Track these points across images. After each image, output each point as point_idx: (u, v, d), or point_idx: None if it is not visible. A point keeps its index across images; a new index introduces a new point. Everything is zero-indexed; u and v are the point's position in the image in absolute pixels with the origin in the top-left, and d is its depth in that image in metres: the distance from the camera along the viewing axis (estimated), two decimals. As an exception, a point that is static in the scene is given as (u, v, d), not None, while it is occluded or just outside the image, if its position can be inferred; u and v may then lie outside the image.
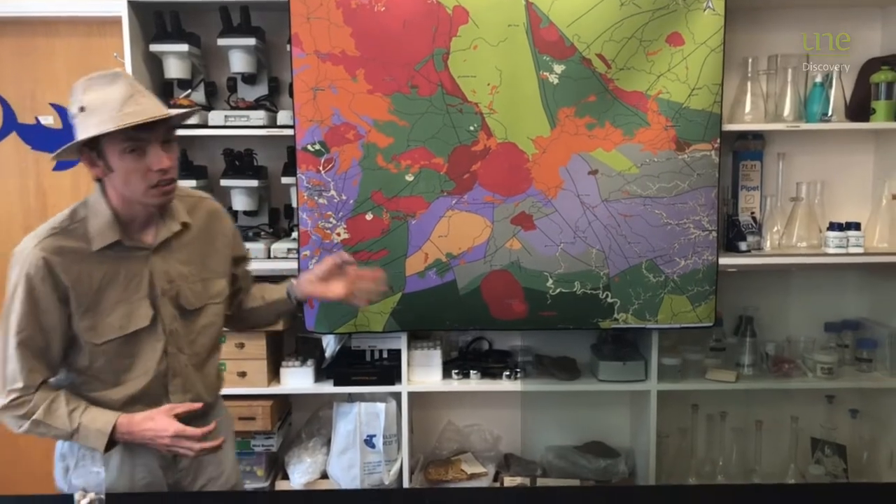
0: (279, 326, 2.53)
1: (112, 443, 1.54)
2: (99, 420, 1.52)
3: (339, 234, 2.44)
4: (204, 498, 1.63)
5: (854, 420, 2.77)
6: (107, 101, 1.45)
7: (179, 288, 1.63)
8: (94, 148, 1.48)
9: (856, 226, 2.57)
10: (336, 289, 1.80)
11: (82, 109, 1.47)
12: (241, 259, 1.84)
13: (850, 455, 2.73)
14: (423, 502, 1.58)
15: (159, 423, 1.52)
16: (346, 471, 2.62)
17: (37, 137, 2.87)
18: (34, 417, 1.51)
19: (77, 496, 1.50)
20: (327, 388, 2.64)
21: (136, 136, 1.45)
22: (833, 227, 2.59)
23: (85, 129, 1.45)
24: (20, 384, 1.51)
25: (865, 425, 2.77)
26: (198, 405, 1.60)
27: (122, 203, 1.55)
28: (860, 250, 2.56)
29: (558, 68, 2.37)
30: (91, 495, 1.51)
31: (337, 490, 2.56)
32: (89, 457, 1.62)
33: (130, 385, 1.59)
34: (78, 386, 1.59)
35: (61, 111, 2.84)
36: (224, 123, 2.51)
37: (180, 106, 2.52)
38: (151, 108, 1.47)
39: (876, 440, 2.75)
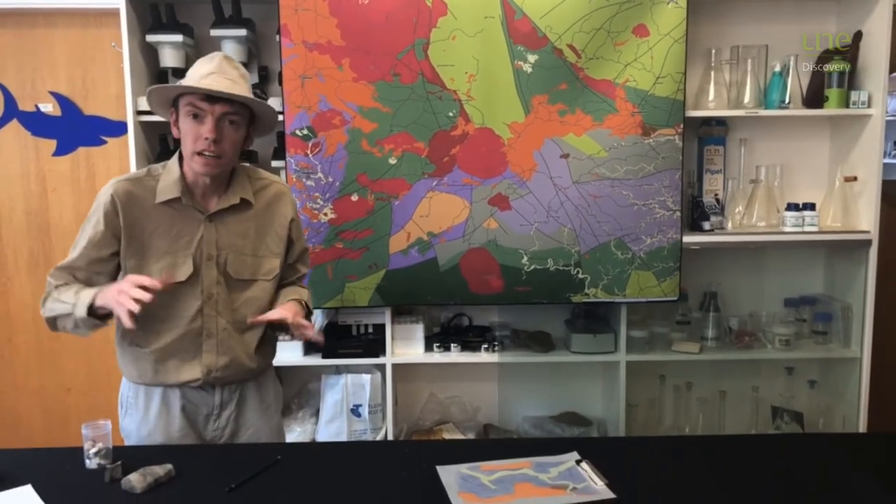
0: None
1: (99, 317, 1.64)
2: (88, 294, 1.63)
3: (325, 215, 2.59)
4: (206, 449, 1.78)
5: (812, 390, 2.95)
6: (194, 73, 1.69)
7: (228, 256, 1.76)
8: (176, 108, 1.70)
9: (811, 206, 2.75)
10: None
11: (184, 77, 1.72)
12: (289, 251, 1.89)
13: (807, 421, 2.91)
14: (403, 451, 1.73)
15: (123, 283, 1.59)
16: (333, 438, 2.78)
17: (37, 124, 2.99)
18: (51, 296, 1.70)
19: (87, 445, 1.65)
20: (316, 360, 2.79)
21: (198, 105, 1.65)
22: (790, 207, 2.76)
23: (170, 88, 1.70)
24: (56, 283, 1.71)
25: (822, 394, 2.95)
26: (159, 282, 1.58)
27: (189, 167, 1.73)
28: (815, 229, 2.73)
29: (532, 58, 2.53)
30: (99, 445, 1.66)
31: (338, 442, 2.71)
32: (133, 405, 1.80)
33: (165, 336, 1.74)
34: (122, 335, 1.77)
35: (60, 99, 2.97)
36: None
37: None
38: (222, 86, 1.65)
39: (831, 408, 2.93)
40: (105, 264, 1.73)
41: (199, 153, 1.66)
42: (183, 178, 1.73)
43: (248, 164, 1.94)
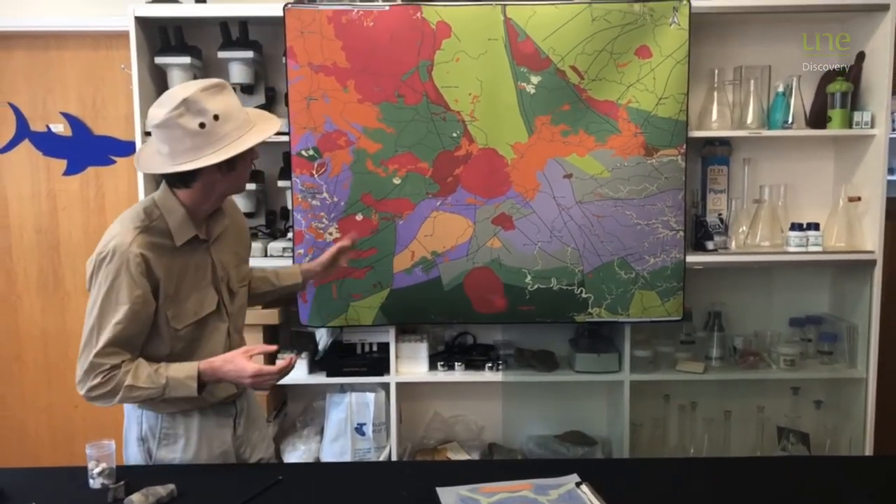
0: (275, 321, 2.70)
1: (201, 386, 1.69)
2: (183, 370, 1.68)
3: (331, 234, 2.61)
4: (208, 469, 1.79)
5: (818, 410, 2.93)
6: (233, 109, 1.66)
7: (229, 273, 1.85)
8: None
9: (815, 226, 2.75)
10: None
11: (216, 118, 1.62)
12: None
13: (813, 442, 2.89)
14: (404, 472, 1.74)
15: (238, 364, 1.68)
16: (337, 457, 2.78)
17: (48, 144, 3.04)
18: (126, 383, 1.64)
19: (91, 465, 1.67)
20: (320, 379, 2.80)
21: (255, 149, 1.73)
22: (794, 227, 2.76)
23: (232, 136, 1.65)
24: (107, 365, 1.64)
25: (828, 415, 2.93)
26: (273, 347, 1.80)
27: (193, 201, 1.71)
28: (819, 249, 2.73)
29: (535, 79, 2.55)
30: (103, 464, 1.68)
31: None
32: (172, 435, 1.80)
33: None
34: None
35: (71, 119, 3.02)
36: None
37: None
38: (263, 113, 1.77)
39: (838, 428, 2.91)
40: (149, 323, 1.69)
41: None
42: (187, 214, 1.73)
43: None
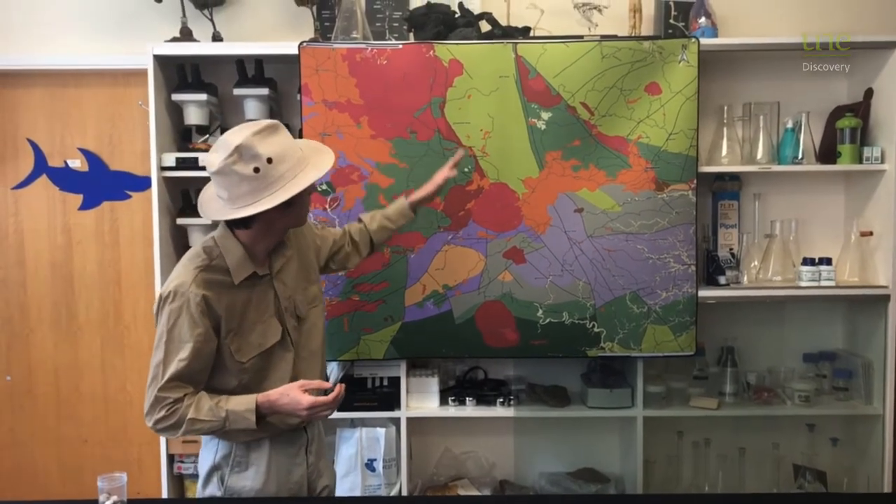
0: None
1: (260, 417, 1.73)
2: (242, 403, 1.72)
3: (343, 268, 2.62)
4: None
5: (834, 448, 2.89)
6: (286, 150, 1.72)
7: (295, 301, 1.88)
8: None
9: (827, 261, 2.74)
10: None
11: (270, 161, 1.68)
12: (325, 239, 2.13)
13: (830, 481, 2.84)
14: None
15: (294, 397, 1.72)
16: (347, 493, 2.75)
17: (65, 179, 3.08)
18: (189, 416, 1.70)
19: (102, 498, 1.66)
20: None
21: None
22: (806, 262, 2.75)
23: (287, 177, 1.71)
24: (171, 399, 1.70)
25: (845, 452, 2.89)
26: (327, 384, 1.79)
27: (252, 240, 1.78)
28: (832, 284, 2.72)
29: (545, 115, 2.58)
30: (114, 497, 1.66)
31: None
32: (244, 463, 1.84)
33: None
34: None
35: (88, 155, 3.06)
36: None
37: (198, 149, 2.75)
38: (318, 146, 1.85)
39: (855, 467, 2.86)
40: (211, 360, 1.76)
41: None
42: (245, 252, 1.78)
43: None
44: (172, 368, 1.70)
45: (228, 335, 1.76)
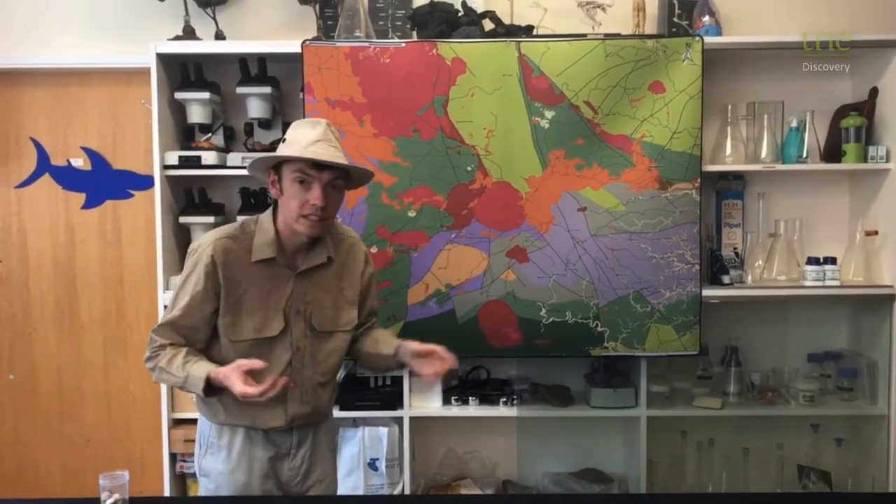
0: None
1: (215, 389, 1.72)
2: (201, 370, 1.72)
3: (345, 267, 2.61)
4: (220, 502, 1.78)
5: (839, 448, 2.87)
6: (300, 138, 1.75)
7: (313, 310, 1.85)
8: (277, 171, 1.78)
9: (832, 260, 2.73)
10: (426, 368, 1.86)
11: (283, 140, 1.78)
12: (365, 297, 2.00)
13: (835, 481, 2.83)
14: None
15: (231, 380, 1.66)
16: (350, 493, 2.74)
17: (67, 178, 3.08)
18: (160, 365, 1.76)
19: (104, 496, 1.65)
20: (334, 412, 2.77)
21: (307, 171, 1.73)
22: (811, 261, 2.74)
23: (280, 151, 1.77)
24: (157, 343, 1.78)
25: (849, 453, 2.87)
26: (260, 364, 1.69)
27: (286, 226, 1.80)
28: (836, 283, 2.71)
29: (549, 114, 2.57)
30: (116, 496, 1.66)
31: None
32: (216, 445, 1.88)
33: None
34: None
35: (91, 154, 3.06)
36: (241, 164, 2.71)
37: (200, 148, 2.75)
38: (329, 155, 1.73)
39: (860, 467, 2.85)
40: (206, 322, 1.79)
41: (306, 216, 1.74)
42: (277, 237, 1.81)
43: None
44: (170, 315, 1.78)
45: (226, 308, 1.78)
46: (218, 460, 1.87)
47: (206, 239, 1.80)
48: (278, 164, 1.78)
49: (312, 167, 1.73)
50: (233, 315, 1.79)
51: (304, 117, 2.56)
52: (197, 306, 1.77)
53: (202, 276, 1.75)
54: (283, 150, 1.76)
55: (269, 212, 1.85)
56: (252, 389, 1.65)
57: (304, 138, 1.74)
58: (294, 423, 1.87)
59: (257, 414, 1.83)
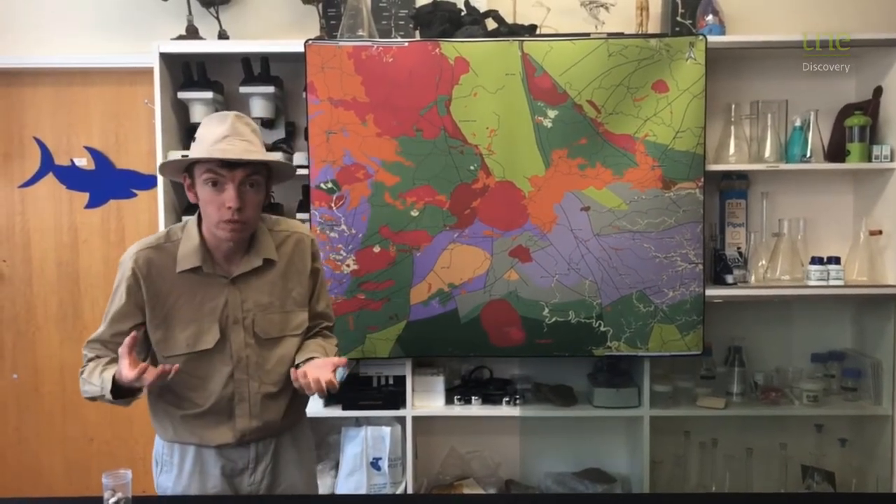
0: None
1: (128, 392, 1.61)
2: (110, 374, 1.61)
3: (348, 266, 2.61)
4: (224, 502, 1.77)
5: (843, 448, 2.86)
6: (207, 136, 1.63)
7: (255, 317, 1.72)
8: (192, 175, 1.66)
9: (836, 260, 2.72)
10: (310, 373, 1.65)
11: (194, 139, 1.68)
12: (317, 298, 1.85)
13: (838, 482, 2.82)
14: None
15: (121, 369, 1.54)
16: (353, 492, 2.74)
17: (71, 178, 3.09)
18: (82, 377, 1.69)
19: (106, 495, 1.65)
20: (336, 412, 2.78)
21: (216, 171, 1.60)
22: (815, 261, 2.73)
23: (191, 152, 1.67)
24: (87, 357, 1.71)
25: (853, 453, 2.87)
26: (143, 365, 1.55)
27: (209, 232, 1.68)
28: (840, 283, 2.70)
29: (552, 113, 2.57)
30: (119, 494, 1.66)
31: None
32: (168, 462, 1.79)
33: (197, 402, 1.72)
34: (156, 396, 1.75)
35: (94, 153, 3.07)
36: (244, 164, 2.71)
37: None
38: (238, 150, 1.59)
39: (864, 467, 2.84)
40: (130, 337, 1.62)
41: (224, 221, 1.62)
42: (203, 244, 1.69)
43: (265, 215, 1.81)
44: (98, 331, 1.71)
45: (153, 323, 1.68)
46: (170, 478, 1.78)
47: (129, 251, 1.70)
48: (191, 167, 1.65)
49: (222, 166, 1.59)
50: (164, 329, 1.68)
51: (307, 117, 2.58)
52: (118, 321, 1.68)
53: (124, 291, 1.66)
54: (191, 151, 1.66)
55: (195, 217, 1.72)
56: (131, 373, 1.51)
57: (211, 135, 1.61)
58: (245, 438, 1.74)
59: (202, 431, 1.73)
